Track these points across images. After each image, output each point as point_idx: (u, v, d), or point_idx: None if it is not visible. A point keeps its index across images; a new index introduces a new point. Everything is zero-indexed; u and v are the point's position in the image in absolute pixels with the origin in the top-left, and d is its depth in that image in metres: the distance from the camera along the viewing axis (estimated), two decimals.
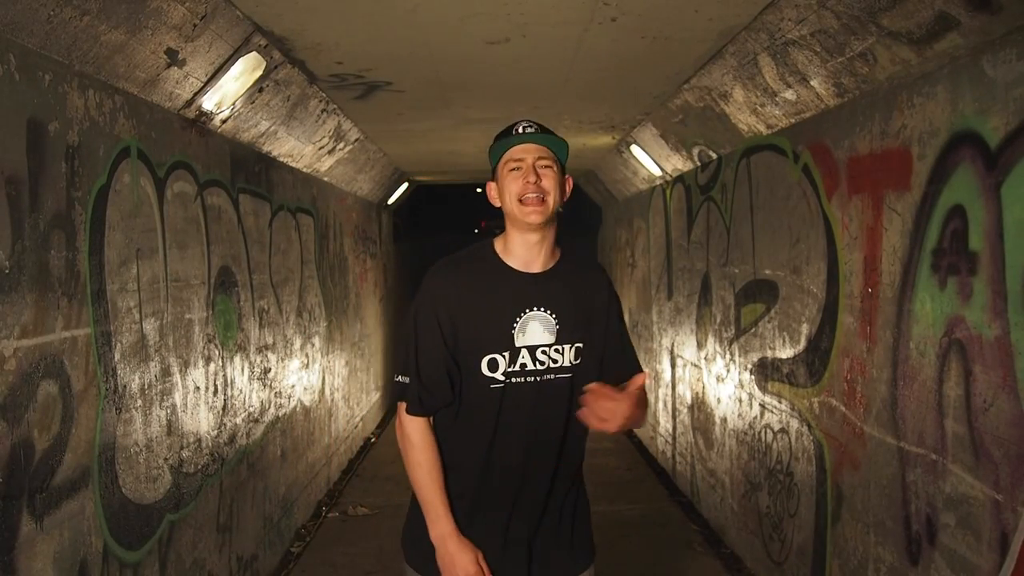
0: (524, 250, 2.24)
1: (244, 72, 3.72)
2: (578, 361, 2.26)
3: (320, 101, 4.94)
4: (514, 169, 2.20)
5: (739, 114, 4.41)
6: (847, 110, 3.40)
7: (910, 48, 2.78)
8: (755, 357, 4.60)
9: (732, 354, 5.04)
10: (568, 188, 2.28)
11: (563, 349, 2.24)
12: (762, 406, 4.52)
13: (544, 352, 2.22)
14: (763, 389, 4.49)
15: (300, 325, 5.69)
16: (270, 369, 4.93)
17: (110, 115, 2.94)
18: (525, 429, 2.24)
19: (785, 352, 4.13)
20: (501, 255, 2.26)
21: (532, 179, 2.17)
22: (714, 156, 5.30)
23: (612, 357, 2.37)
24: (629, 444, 8.09)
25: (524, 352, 2.21)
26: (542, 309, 2.22)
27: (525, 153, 2.20)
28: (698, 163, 5.70)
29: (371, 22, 3.56)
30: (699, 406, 5.92)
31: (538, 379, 2.22)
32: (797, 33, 3.26)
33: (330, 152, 5.99)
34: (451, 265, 2.28)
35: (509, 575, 2.28)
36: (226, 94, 3.75)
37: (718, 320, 5.33)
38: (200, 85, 3.49)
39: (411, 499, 2.35)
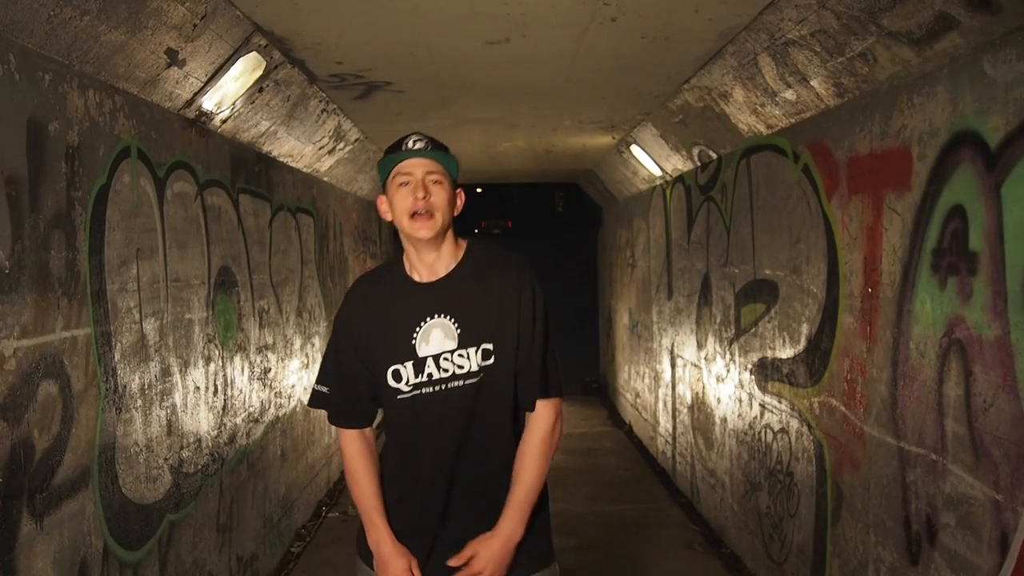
0: (420, 262, 2.26)
1: (244, 72, 3.72)
2: (488, 362, 2.21)
3: (320, 101, 4.94)
4: (403, 184, 2.20)
5: (739, 114, 4.41)
6: (847, 110, 3.40)
7: (910, 48, 2.78)
8: (755, 357, 4.60)
9: (732, 354, 5.04)
10: (460, 202, 2.29)
11: (468, 353, 2.20)
12: (762, 406, 4.52)
13: (447, 359, 2.21)
14: (763, 389, 4.49)
15: (300, 325, 5.69)
16: (270, 369, 4.93)
17: (110, 115, 2.94)
18: (437, 437, 2.23)
19: (785, 352, 4.13)
20: (405, 267, 2.29)
21: (421, 194, 2.17)
22: (714, 156, 5.30)
23: (520, 370, 2.26)
24: (629, 444, 8.09)
25: (430, 361, 2.21)
26: (441, 315, 2.21)
27: (414, 168, 2.19)
28: (698, 163, 5.70)
29: (371, 22, 3.56)
30: (699, 406, 5.92)
31: (445, 387, 2.21)
32: (797, 33, 3.26)
33: (330, 152, 5.99)
34: (361, 282, 2.38)
35: None
36: (226, 94, 3.75)
37: (718, 320, 5.33)
38: (200, 85, 3.49)
39: None
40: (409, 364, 2.21)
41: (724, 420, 5.27)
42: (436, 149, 2.21)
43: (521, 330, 2.23)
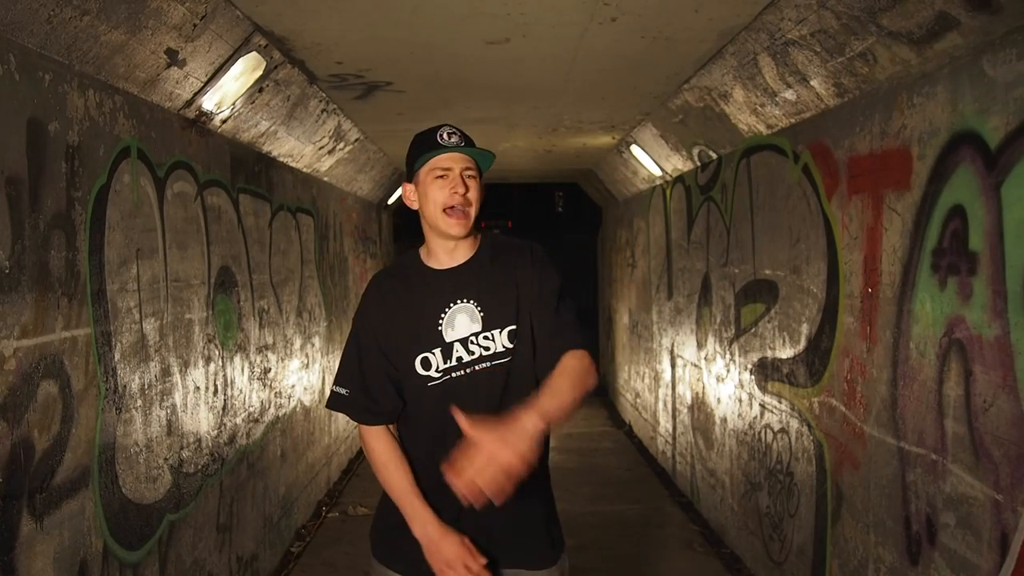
0: (443, 252, 2.28)
1: (244, 72, 3.72)
2: (513, 344, 2.23)
3: (320, 101, 4.94)
4: (440, 177, 2.21)
5: (739, 114, 4.41)
6: (847, 110, 3.40)
7: (910, 48, 2.78)
8: (755, 357, 4.60)
9: (732, 354, 5.04)
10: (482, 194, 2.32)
11: (492, 335, 2.23)
12: (762, 406, 4.52)
13: (473, 342, 2.23)
14: (763, 389, 4.49)
15: (300, 325, 5.69)
16: (270, 369, 4.93)
17: (110, 115, 2.94)
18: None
19: (785, 352, 4.13)
20: (424, 259, 2.32)
21: (460, 190, 2.19)
22: (714, 156, 5.30)
23: (540, 338, 2.24)
24: (629, 444, 8.08)
25: (457, 346, 2.23)
26: (464, 300, 2.24)
27: (453, 162, 2.21)
28: (698, 163, 5.70)
29: (371, 22, 3.57)
30: (699, 406, 5.92)
31: (475, 369, 2.23)
32: (797, 33, 3.26)
33: (330, 152, 5.99)
34: (379, 276, 2.38)
35: None
36: (226, 94, 3.75)
37: (718, 320, 5.33)
38: (200, 85, 3.49)
39: (381, 494, 2.36)
40: (437, 351, 2.22)
41: (724, 420, 5.27)
42: (471, 145, 2.24)
43: (536, 301, 2.25)
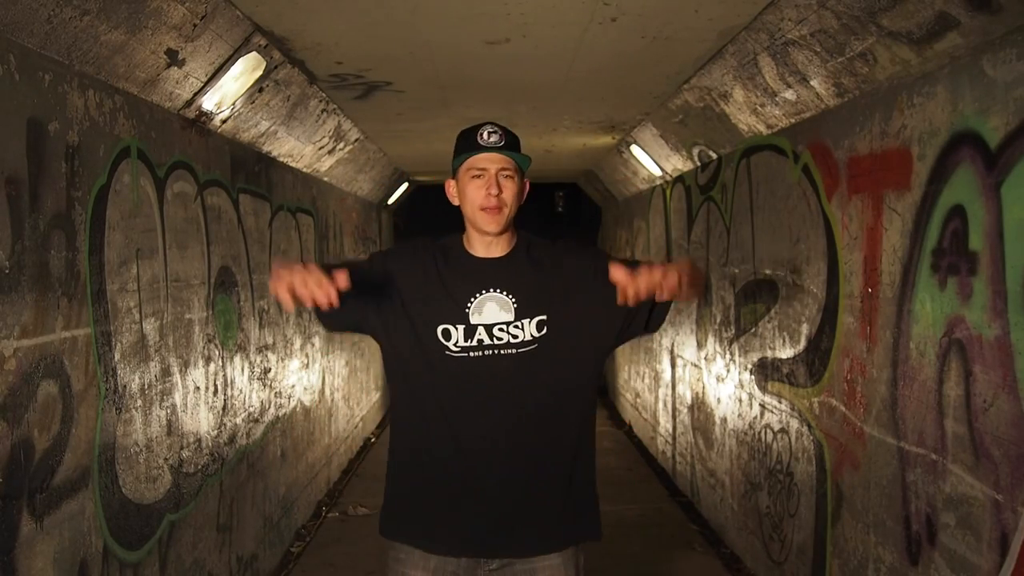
0: (481, 244, 2.32)
1: (244, 72, 3.72)
2: (542, 332, 2.25)
3: (320, 101, 4.94)
4: (476, 177, 2.24)
5: (739, 114, 4.41)
6: (847, 110, 3.40)
7: (910, 48, 2.78)
8: (755, 357, 4.60)
9: (732, 354, 5.04)
10: (525, 192, 2.34)
11: (523, 323, 2.25)
12: (762, 406, 4.52)
13: (502, 329, 2.24)
14: (763, 389, 4.49)
15: (300, 325, 5.69)
16: (270, 369, 4.93)
17: (110, 115, 2.94)
18: (488, 401, 2.24)
19: (785, 352, 4.13)
20: (465, 244, 2.35)
21: (494, 191, 2.22)
22: (714, 156, 5.30)
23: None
24: (629, 444, 8.09)
25: (481, 329, 2.24)
26: (498, 291, 2.26)
27: (488, 163, 2.24)
28: (698, 163, 5.70)
29: (371, 22, 3.56)
30: (699, 406, 5.92)
31: (498, 353, 2.23)
32: (797, 33, 3.26)
33: (330, 152, 5.99)
34: (427, 241, 2.41)
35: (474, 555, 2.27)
36: (226, 94, 3.75)
37: (718, 320, 5.33)
38: (200, 85, 3.49)
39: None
40: (460, 327, 2.24)
41: (724, 420, 5.27)
42: (510, 146, 2.26)
43: (601, 287, 2.15)
